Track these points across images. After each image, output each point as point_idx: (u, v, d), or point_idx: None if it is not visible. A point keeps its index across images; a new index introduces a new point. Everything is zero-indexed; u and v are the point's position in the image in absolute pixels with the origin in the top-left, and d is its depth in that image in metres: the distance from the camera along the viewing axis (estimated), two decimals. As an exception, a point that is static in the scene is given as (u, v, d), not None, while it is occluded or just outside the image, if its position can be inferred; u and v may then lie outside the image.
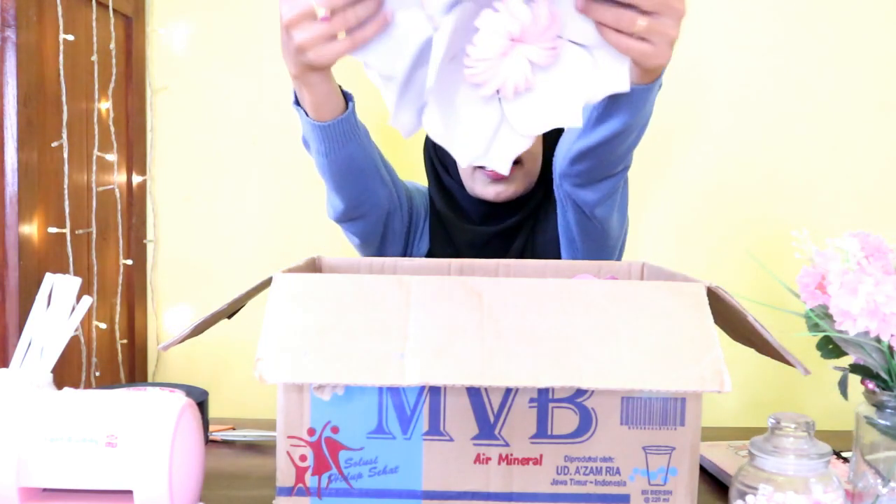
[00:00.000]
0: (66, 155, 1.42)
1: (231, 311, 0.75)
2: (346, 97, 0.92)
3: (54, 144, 1.40)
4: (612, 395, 0.67)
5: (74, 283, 0.85)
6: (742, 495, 0.63)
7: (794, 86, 1.72)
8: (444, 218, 1.22)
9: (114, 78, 1.58)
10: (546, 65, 0.68)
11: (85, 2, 1.50)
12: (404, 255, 1.22)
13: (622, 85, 0.70)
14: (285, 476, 0.68)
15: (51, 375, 0.84)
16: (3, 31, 1.27)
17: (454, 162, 1.20)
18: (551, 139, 1.18)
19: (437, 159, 1.23)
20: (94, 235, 1.53)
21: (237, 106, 1.71)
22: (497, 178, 1.15)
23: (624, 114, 0.88)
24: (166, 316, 1.77)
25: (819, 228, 0.68)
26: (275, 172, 1.73)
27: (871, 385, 0.64)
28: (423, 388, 0.67)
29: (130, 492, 0.63)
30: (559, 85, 0.69)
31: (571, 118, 0.70)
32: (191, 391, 0.94)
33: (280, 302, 0.65)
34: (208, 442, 0.96)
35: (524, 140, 0.71)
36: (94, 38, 1.53)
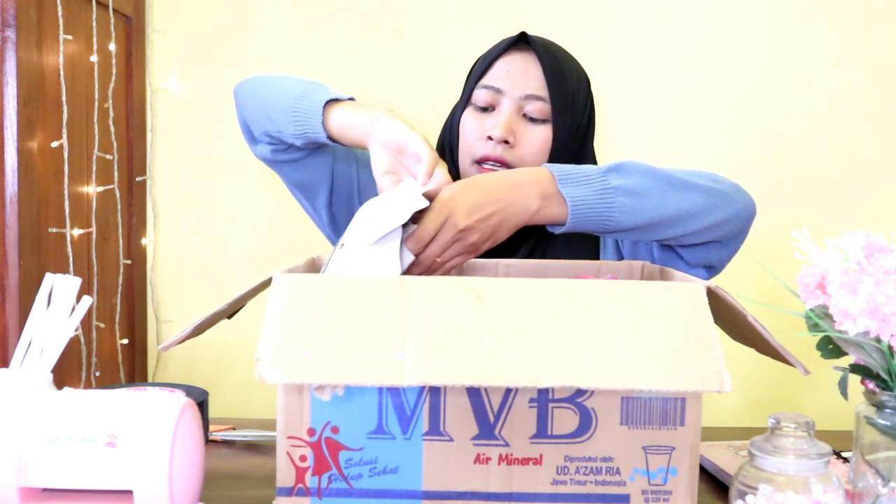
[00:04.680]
0: (66, 155, 1.41)
1: (231, 311, 0.75)
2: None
3: (54, 144, 1.39)
4: (611, 395, 0.67)
5: (74, 283, 0.85)
6: (742, 495, 0.63)
7: (794, 85, 1.72)
8: None
9: (114, 78, 1.58)
10: None
11: (85, 2, 1.50)
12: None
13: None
14: (285, 476, 0.68)
15: (51, 375, 0.84)
16: (3, 31, 1.27)
17: (456, 160, 1.18)
18: (554, 152, 1.14)
19: (449, 149, 1.18)
20: (94, 235, 1.53)
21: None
22: None
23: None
24: (166, 316, 1.77)
25: (819, 228, 0.68)
26: (275, 172, 1.73)
27: (871, 385, 0.64)
28: (422, 388, 0.67)
29: (130, 492, 0.63)
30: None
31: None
32: (191, 391, 0.94)
33: (280, 302, 0.65)
34: (208, 442, 0.96)
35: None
36: (94, 38, 1.52)
